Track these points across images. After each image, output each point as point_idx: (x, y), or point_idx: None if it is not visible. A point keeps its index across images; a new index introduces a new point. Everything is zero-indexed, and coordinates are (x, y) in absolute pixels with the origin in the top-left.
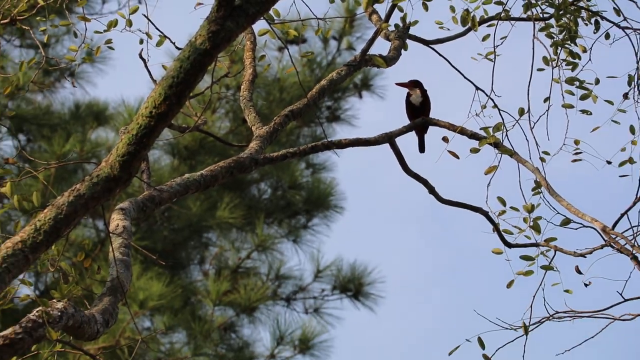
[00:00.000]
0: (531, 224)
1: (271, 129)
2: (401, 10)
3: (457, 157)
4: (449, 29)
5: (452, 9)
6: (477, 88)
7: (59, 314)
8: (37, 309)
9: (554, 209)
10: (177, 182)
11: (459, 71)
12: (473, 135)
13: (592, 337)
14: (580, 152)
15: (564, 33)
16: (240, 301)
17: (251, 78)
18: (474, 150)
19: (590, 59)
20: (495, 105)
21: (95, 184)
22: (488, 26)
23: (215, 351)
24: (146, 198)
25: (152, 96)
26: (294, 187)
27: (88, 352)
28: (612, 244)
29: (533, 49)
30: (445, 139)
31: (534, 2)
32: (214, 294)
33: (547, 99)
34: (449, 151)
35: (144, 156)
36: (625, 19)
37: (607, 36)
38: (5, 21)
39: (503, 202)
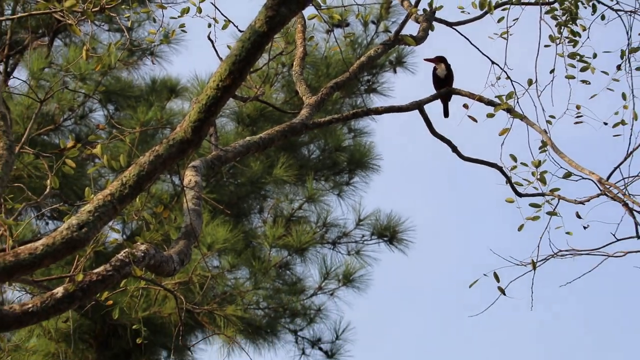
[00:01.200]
0: (538, 177)
1: (319, 99)
2: None
3: (476, 121)
4: (469, 13)
5: None
6: (493, 62)
7: (143, 254)
8: (124, 251)
9: (558, 164)
10: (240, 143)
11: (477, 48)
12: (489, 103)
13: (590, 272)
14: (581, 116)
15: (566, 15)
16: (293, 244)
17: (302, 56)
18: (490, 115)
19: (588, 37)
20: (508, 77)
21: (171, 145)
22: (502, 10)
23: (273, 285)
24: (214, 157)
25: (218, 71)
26: (339, 149)
27: (166, 287)
28: (606, 193)
29: (540, 28)
30: (465, 106)
31: None
32: (271, 237)
33: (552, 71)
34: (469, 116)
35: (212, 122)
36: (617, 2)
37: (603, 17)
38: (96, 9)
39: (514, 159)
